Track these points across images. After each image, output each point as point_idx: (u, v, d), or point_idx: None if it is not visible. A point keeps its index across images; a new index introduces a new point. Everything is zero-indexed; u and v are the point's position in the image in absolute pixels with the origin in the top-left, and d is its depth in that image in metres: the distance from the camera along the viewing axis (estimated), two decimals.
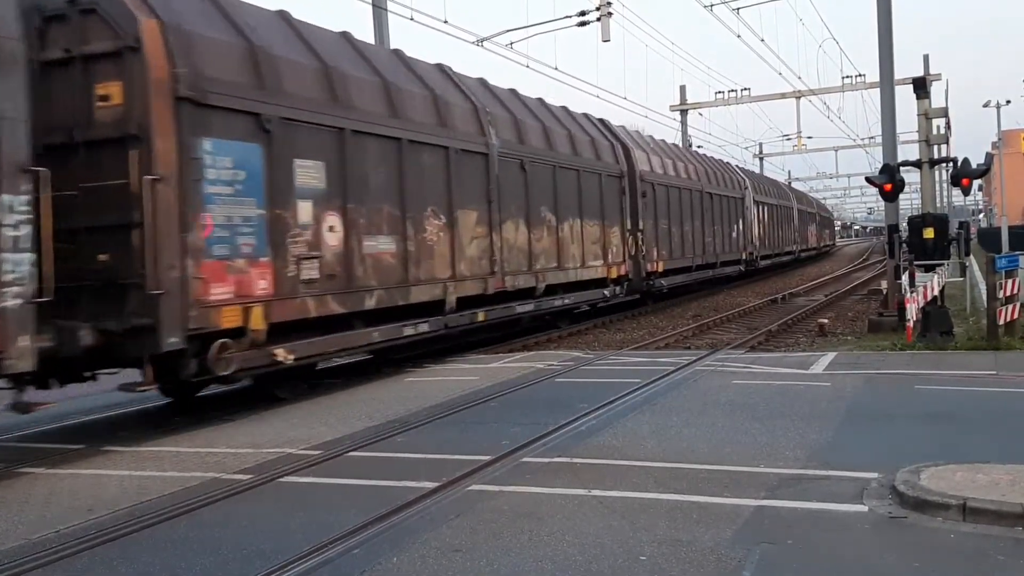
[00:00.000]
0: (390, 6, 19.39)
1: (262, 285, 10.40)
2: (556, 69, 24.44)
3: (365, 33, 17.47)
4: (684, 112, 44.45)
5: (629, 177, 22.87)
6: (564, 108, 21.34)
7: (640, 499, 6.20)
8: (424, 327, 13.64)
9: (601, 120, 23.66)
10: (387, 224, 12.84)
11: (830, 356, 13.36)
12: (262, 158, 10.49)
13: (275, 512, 6.36)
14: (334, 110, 11.83)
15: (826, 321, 19.54)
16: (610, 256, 21.29)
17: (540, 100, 20.14)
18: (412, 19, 18.51)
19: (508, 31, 23.18)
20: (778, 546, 5.22)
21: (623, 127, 25.24)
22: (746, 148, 61.29)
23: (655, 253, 24.59)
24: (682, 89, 44.73)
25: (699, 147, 42.20)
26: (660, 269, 24.92)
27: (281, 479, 7.25)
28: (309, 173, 11.31)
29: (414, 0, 21.49)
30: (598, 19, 22.87)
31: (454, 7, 22.49)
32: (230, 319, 9.90)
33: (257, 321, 10.23)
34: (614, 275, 21.41)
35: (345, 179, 11.91)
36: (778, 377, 11.47)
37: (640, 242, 23.26)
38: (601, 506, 6.09)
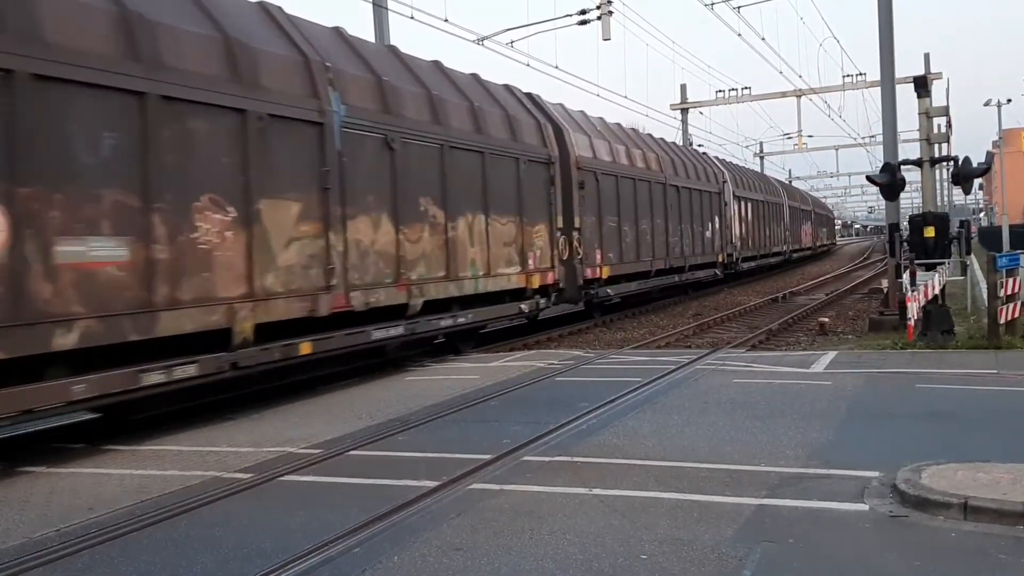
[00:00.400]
0: (391, 5, 19.39)
1: None
2: (557, 68, 24.41)
3: (366, 33, 17.43)
4: (684, 111, 44.49)
5: (562, 164, 18.69)
6: (473, 76, 17.22)
7: (641, 498, 6.20)
8: (189, 370, 9.37)
9: (529, 95, 19.52)
10: (112, 219, 8.73)
11: (831, 355, 13.36)
12: None
13: (276, 511, 6.36)
14: None
15: (827, 320, 19.58)
16: (531, 261, 17.07)
17: (435, 63, 15.98)
18: (412, 18, 18.55)
19: (508, 30, 23.22)
20: (779, 545, 5.21)
21: (561, 105, 21.20)
22: (747, 147, 61.65)
23: (598, 256, 20.66)
24: (682, 88, 44.82)
25: (699, 146, 42.20)
26: (604, 275, 21.01)
27: (282, 478, 7.26)
28: None
29: None
30: (598, 18, 22.85)
31: (455, 6, 22.51)
32: None
33: None
34: (536, 284, 17.26)
35: (15, 148, 7.85)
36: (779, 376, 11.47)
37: (577, 243, 19.35)
38: (602, 505, 6.09)
